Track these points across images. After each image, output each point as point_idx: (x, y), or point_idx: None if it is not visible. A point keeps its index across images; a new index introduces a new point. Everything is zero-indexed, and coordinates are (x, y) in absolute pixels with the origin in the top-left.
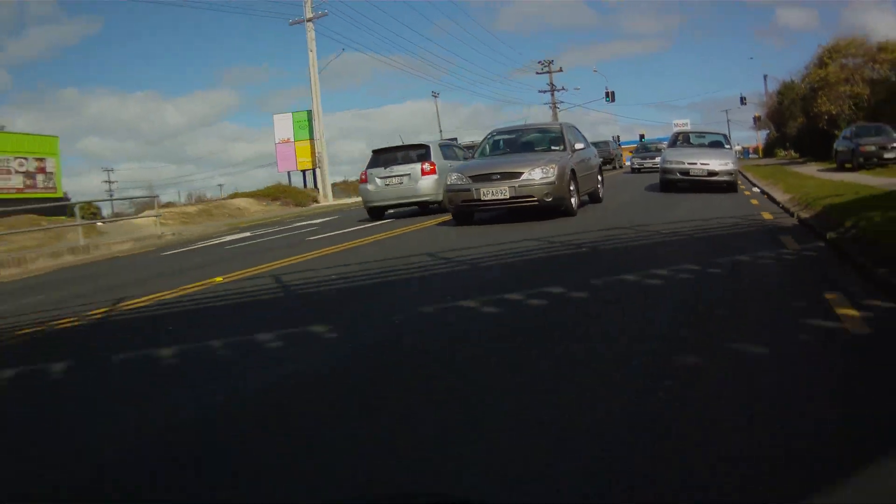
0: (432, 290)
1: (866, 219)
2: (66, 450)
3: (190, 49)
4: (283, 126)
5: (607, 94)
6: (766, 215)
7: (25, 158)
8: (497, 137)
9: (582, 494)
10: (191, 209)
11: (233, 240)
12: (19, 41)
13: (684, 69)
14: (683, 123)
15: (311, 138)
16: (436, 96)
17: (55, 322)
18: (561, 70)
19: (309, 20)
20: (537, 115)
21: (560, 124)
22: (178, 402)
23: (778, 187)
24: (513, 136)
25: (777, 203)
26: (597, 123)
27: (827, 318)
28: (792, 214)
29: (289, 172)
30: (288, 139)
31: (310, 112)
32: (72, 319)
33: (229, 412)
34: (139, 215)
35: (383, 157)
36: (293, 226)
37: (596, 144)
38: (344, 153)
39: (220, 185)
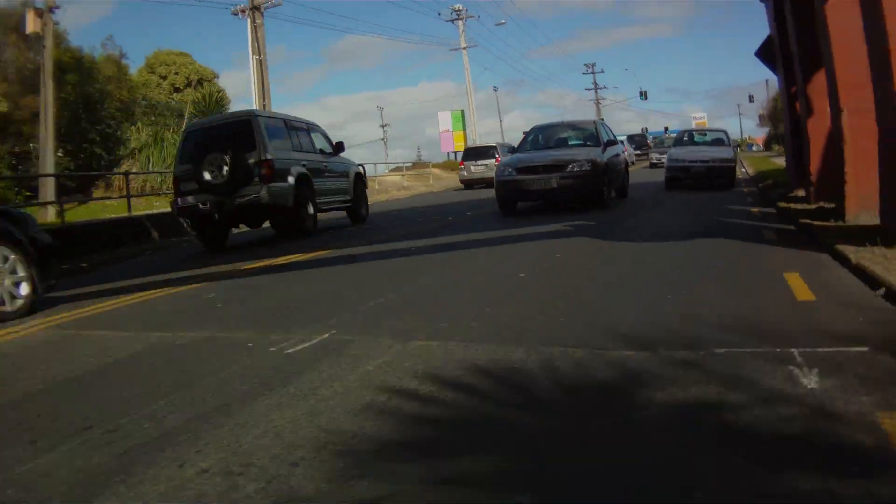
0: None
1: (781, 176)
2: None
3: None
4: (444, 119)
5: (642, 93)
6: (744, 184)
7: None
8: (538, 133)
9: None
10: (407, 173)
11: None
12: None
13: (700, 55)
14: (700, 117)
15: (464, 129)
16: (496, 90)
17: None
18: (603, 71)
19: (464, 49)
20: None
21: (594, 122)
22: None
23: (752, 167)
24: (552, 132)
25: (746, 172)
26: (612, 109)
27: (744, 206)
28: (749, 175)
29: (448, 153)
30: (447, 129)
31: (463, 111)
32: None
33: None
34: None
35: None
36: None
37: (631, 138)
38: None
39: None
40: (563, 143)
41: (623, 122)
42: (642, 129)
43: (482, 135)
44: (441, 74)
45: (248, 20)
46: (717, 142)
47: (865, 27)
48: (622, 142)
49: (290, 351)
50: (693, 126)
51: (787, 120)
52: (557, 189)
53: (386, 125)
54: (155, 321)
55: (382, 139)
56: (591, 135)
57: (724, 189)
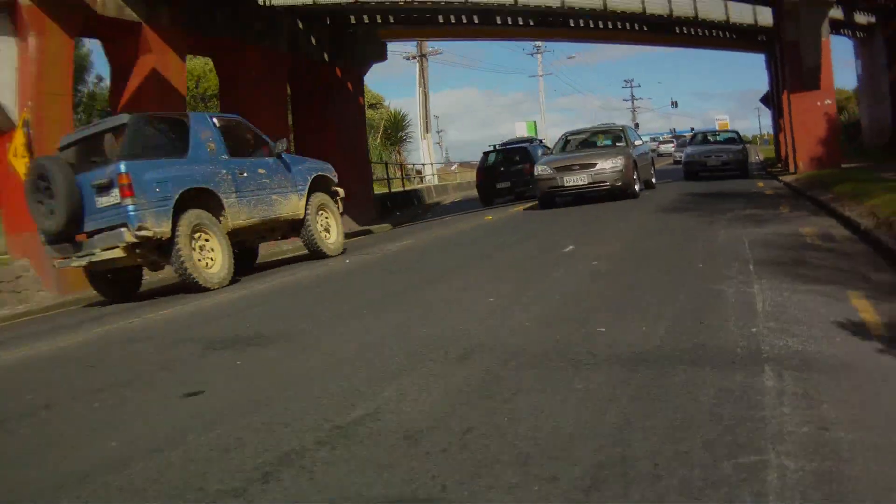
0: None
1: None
2: None
3: None
4: (521, 128)
5: (673, 102)
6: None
7: None
8: (570, 137)
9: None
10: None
11: None
12: None
13: (723, 59)
14: (723, 118)
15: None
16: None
17: None
18: (640, 86)
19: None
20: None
21: (621, 126)
22: None
23: (763, 154)
24: (583, 135)
25: (758, 157)
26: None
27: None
28: (760, 159)
29: None
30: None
31: (535, 122)
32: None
33: None
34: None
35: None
36: None
37: (677, 136)
38: None
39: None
40: (594, 144)
41: (648, 120)
42: (671, 130)
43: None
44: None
45: (418, 64)
46: (730, 140)
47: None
48: (646, 142)
49: None
50: (716, 126)
51: (775, 132)
52: (593, 184)
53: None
54: None
55: None
56: (619, 136)
57: (738, 178)
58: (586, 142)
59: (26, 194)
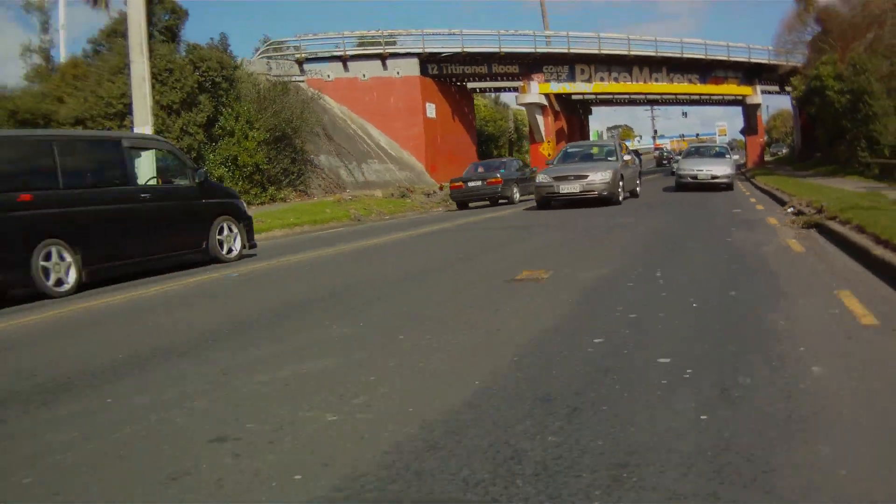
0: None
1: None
2: None
3: None
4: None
5: (683, 113)
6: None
7: None
8: (570, 150)
9: None
10: None
11: None
12: None
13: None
14: (722, 124)
15: None
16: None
17: None
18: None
19: None
20: None
21: (613, 142)
22: None
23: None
24: (581, 149)
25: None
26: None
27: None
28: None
29: None
30: None
31: None
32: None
33: None
34: None
35: None
36: None
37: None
38: None
39: None
40: (589, 157)
41: (664, 127)
42: (679, 136)
43: None
44: None
45: None
46: (719, 155)
47: None
48: (634, 157)
49: None
50: (716, 131)
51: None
52: (584, 192)
53: None
54: None
55: None
56: (612, 151)
57: (726, 191)
58: (583, 155)
59: None
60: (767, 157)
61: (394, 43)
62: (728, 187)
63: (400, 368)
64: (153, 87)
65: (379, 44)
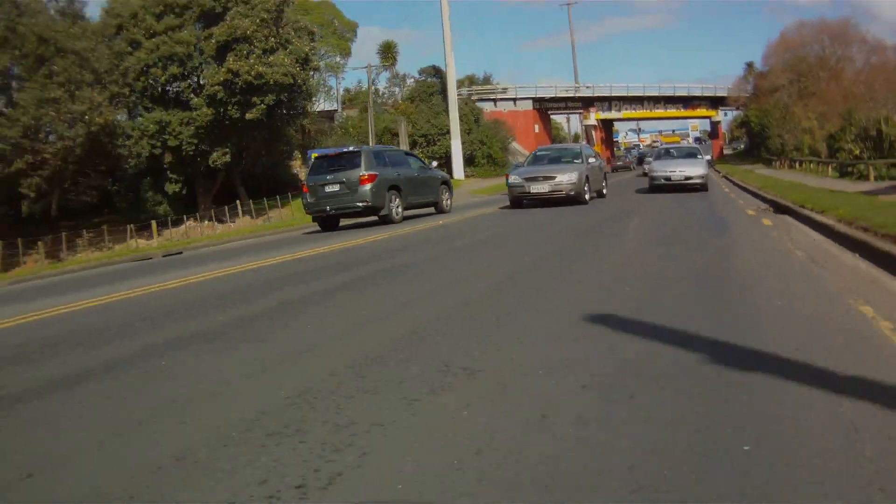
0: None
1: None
2: None
3: None
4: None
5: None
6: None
7: None
8: (539, 153)
9: None
10: None
11: None
12: None
13: (692, 45)
14: (695, 123)
15: None
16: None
17: None
18: None
19: None
20: None
21: (580, 146)
22: None
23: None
24: (549, 153)
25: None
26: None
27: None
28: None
29: None
30: None
31: None
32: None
33: None
34: None
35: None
36: None
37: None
38: None
39: None
40: (557, 160)
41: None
42: (657, 131)
43: None
44: None
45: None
46: (690, 155)
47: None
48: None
49: None
50: (688, 128)
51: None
52: (553, 192)
53: None
54: None
55: None
56: (578, 154)
57: (699, 191)
58: (551, 157)
59: None
60: (728, 151)
61: (514, 90)
62: (703, 188)
63: None
64: None
65: (513, 90)
